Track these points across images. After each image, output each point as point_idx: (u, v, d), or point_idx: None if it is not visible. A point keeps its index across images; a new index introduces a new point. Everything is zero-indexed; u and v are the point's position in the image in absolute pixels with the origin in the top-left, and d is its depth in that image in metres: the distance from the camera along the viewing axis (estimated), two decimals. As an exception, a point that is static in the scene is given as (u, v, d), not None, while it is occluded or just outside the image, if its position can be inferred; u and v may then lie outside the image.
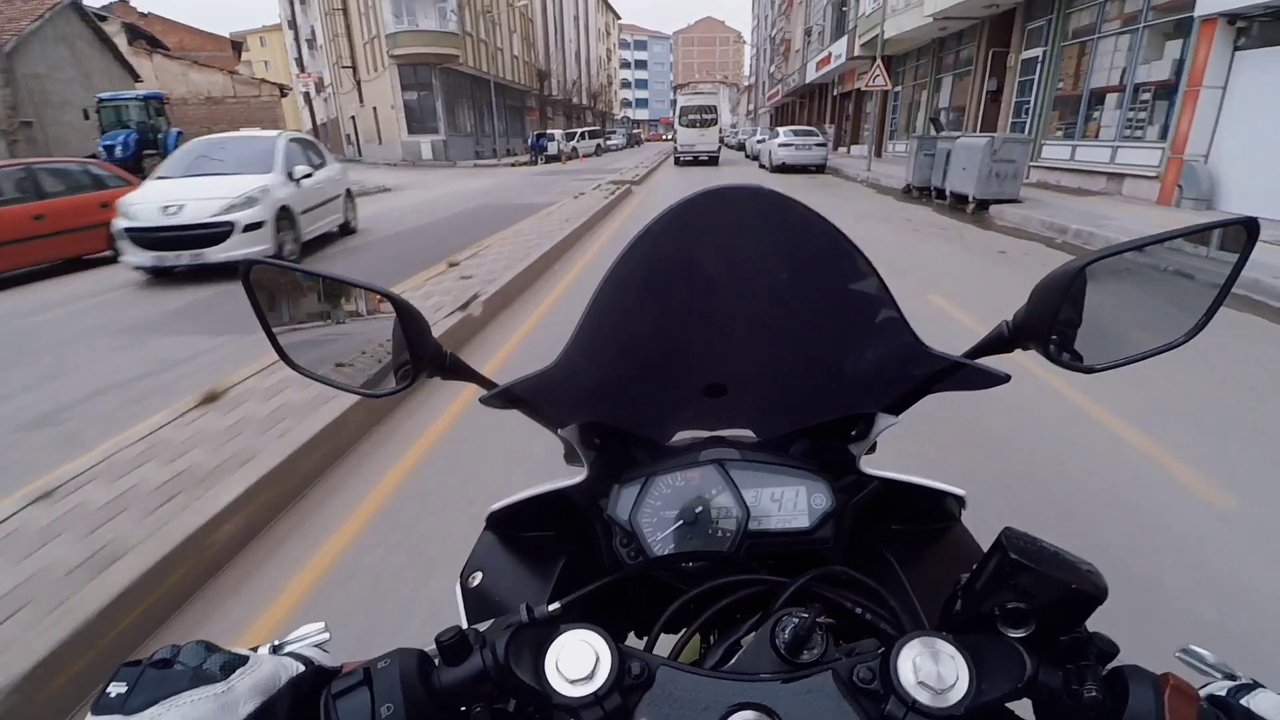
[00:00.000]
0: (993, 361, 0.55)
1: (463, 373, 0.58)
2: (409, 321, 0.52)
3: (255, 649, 0.38)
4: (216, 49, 36.45)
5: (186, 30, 36.64)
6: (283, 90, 31.91)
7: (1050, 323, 0.50)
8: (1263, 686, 0.37)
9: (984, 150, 8.79)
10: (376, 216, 10.89)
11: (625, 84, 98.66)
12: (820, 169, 18.77)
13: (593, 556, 0.64)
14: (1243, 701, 0.35)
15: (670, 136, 35.00)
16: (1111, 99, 10.33)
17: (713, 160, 23.91)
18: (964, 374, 0.55)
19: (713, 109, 23.87)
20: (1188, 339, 0.53)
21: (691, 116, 23.71)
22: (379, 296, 0.54)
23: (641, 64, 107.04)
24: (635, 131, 66.30)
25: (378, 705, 0.35)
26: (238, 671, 0.35)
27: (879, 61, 15.59)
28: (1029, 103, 12.67)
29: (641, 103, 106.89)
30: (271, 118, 28.67)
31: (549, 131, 33.17)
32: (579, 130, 37.70)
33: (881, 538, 0.64)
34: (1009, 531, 0.40)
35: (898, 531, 0.65)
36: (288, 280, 0.59)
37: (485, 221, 9.63)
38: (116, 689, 0.32)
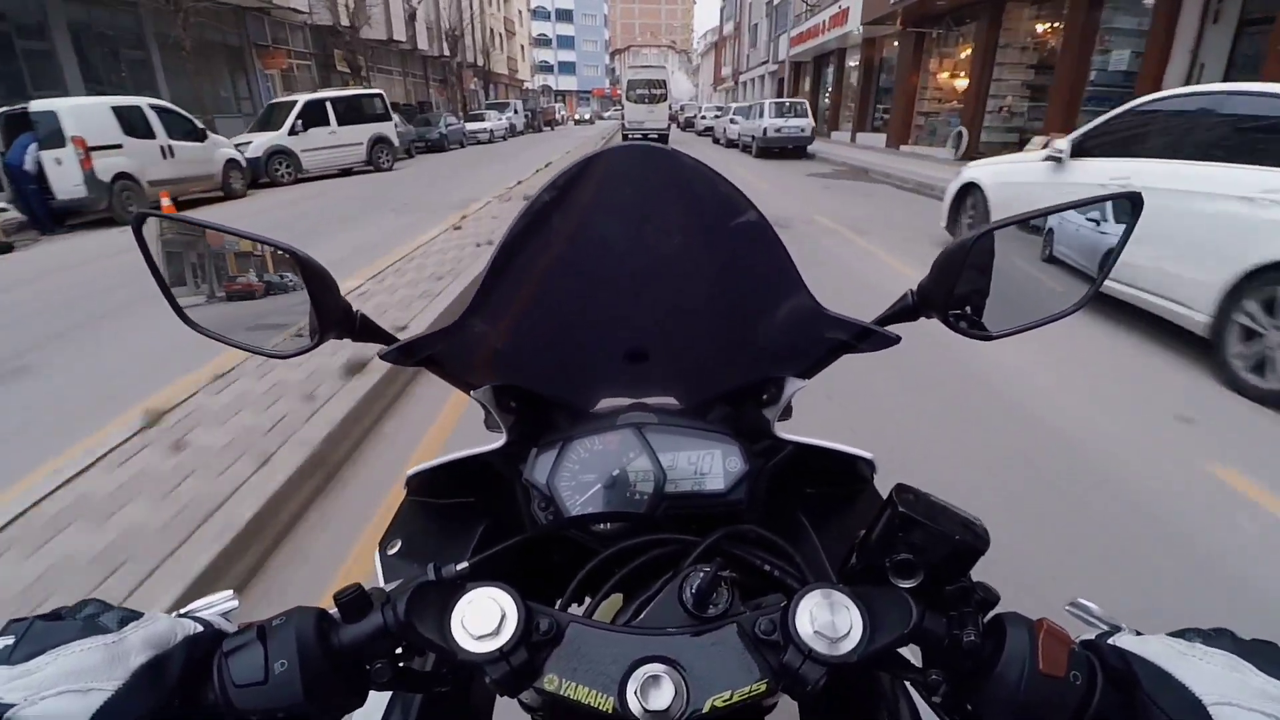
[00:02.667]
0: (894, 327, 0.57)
1: (374, 334, 0.57)
2: (314, 279, 0.50)
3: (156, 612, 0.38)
4: None
5: None
6: None
7: (949, 291, 0.52)
8: (1137, 632, 0.39)
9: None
10: None
11: (543, 41, 73.58)
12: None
13: (513, 522, 0.64)
14: (1124, 645, 0.38)
15: (607, 114, 34.48)
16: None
17: (661, 139, 21.54)
18: (867, 337, 0.58)
19: (661, 84, 22.66)
20: (1078, 307, 0.57)
21: (640, 91, 22.48)
22: (284, 253, 0.52)
23: (566, 15, 77.00)
24: (549, 106, 48.60)
25: (271, 662, 0.35)
26: (130, 624, 0.34)
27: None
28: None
29: (567, 68, 79.27)
30: None
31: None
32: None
33: (797, 500, 0.67)
34: (900, 487, 0.43)
35: (812, 495, 0.68)
36: (185, 233, 0.57)
37: None
38: (2, 642, 0.32)
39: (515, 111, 32.26)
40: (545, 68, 74.34)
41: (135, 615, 0.36)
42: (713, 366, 0.66)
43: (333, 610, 0.39)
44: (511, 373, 0.63)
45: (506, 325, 0.57)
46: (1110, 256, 0.55)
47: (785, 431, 0.65)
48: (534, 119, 36.92)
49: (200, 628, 0.38)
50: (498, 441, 0.63)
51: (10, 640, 0.32)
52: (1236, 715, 0.31)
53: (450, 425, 2.90)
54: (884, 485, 0.64)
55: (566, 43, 77.73)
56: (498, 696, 0.39)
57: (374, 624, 0.38)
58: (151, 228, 0.52)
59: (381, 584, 0.57)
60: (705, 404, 0.70)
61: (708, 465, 0.62)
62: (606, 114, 62.73)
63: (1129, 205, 0.54)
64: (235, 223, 0.54)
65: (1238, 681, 0.33)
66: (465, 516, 0.65)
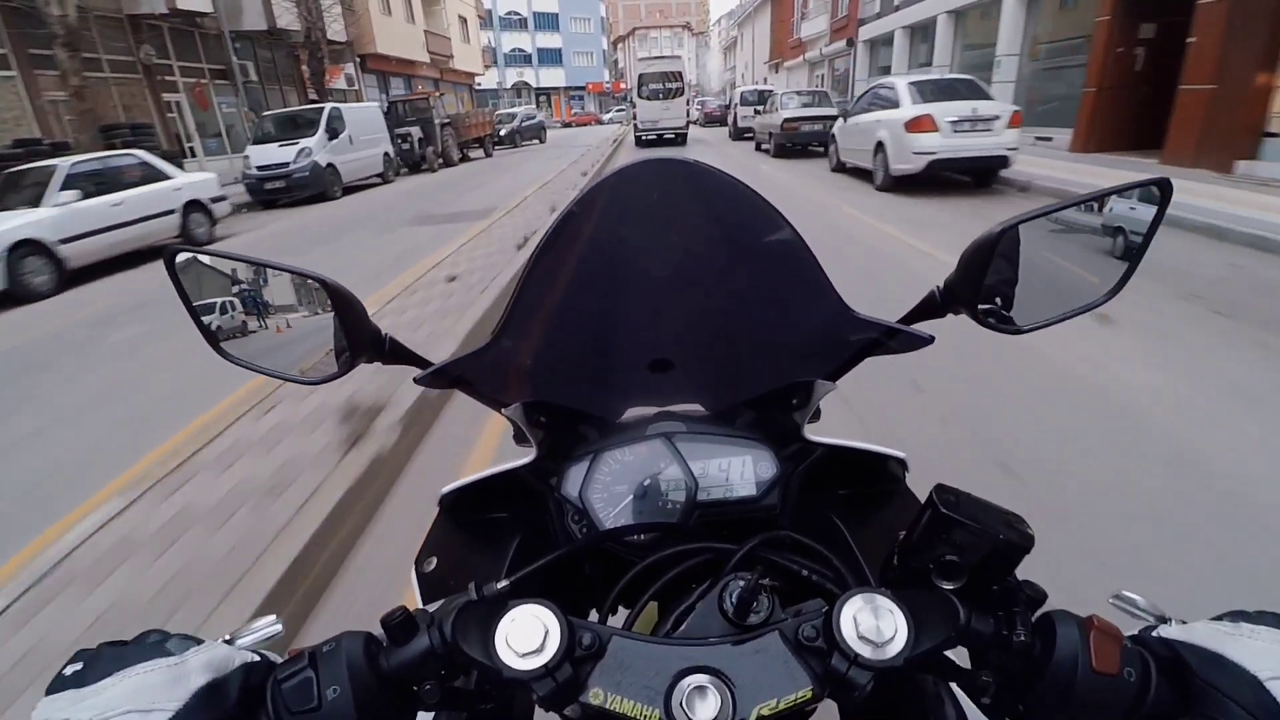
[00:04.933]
0: (923, 325, 0.58)
1: (403, 356, 0.59)
2: (344, 306, 0.53)
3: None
4: None
5: None
6: None
7: (977, 286, 0.53)
8: (1183, 622, 0.39)
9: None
10: None
11: (513, 21, 53.42)
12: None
13: (547, 536, 0.65)
14: (1171, 635, 0.38)
15: (608, 116, 29.71)
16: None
17: (680, 138, 19.53)
18: (895, 338, 0.58)
19: (677, 75, 19.50)
20: (1109, 298, 0.57)
21: (653, 86, 19.31)
22: (314, 281, 0.54)
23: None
24: (481, 113, 21.97)
25: (323, 688, 0.36)
26: (191, 650, 0.36)
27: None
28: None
29: (550, 57, 56.43)
30: None
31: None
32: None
33: (830, 503, 0.67)
34: (940, 488, 0.43)
35: (845, 496, 0.68)
36: (215, 265, 0.59)
37: None
38: (72, 668, 0.34)
39: (330, 132, 12.74)
40: (520, 58, 54.74)
41: (196, 641, 0.37)
42: (739, 372, 0.67)
43: (379, 633, 0.40)
44: (540, 388, 0.64)
45: (534, 342, 0.59)
46: (1142, 244, 0.55)
47: (815, 434, 0.66)
48: (431, 143, 17.13)
49: (255, 657, 0.39)
50: (529, 456, 0.65)
51: (79, 666, 0.34)
52: None
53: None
54: (916, 484, 0.64)
55: (547, 23, 55.49)
56: (537, 710, 0.41)
57: (421, 646, 0.39)
58: (183, 261, 0.55)
59: (420, 602, 0.58)
60: (732, 409, 0.70)
61: (739, 472, 0.63)
62: (607, 115, 48.64)
63: (1157, 191, 0.54)
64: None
65: None
66: (499, 532, 0.66)
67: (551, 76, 57.24)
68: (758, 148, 16.47)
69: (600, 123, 47.39)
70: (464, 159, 19.54)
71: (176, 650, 0.36)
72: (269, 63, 18.39)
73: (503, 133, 24.99)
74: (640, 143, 19.46)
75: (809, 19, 29.03)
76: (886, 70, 19.49)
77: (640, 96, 19.36)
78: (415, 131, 16.66)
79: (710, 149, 18.27)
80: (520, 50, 55.29)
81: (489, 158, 20.87)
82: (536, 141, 27.62)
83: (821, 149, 12.74)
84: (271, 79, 18.59)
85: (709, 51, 75.57)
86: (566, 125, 49.34)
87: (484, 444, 2.83)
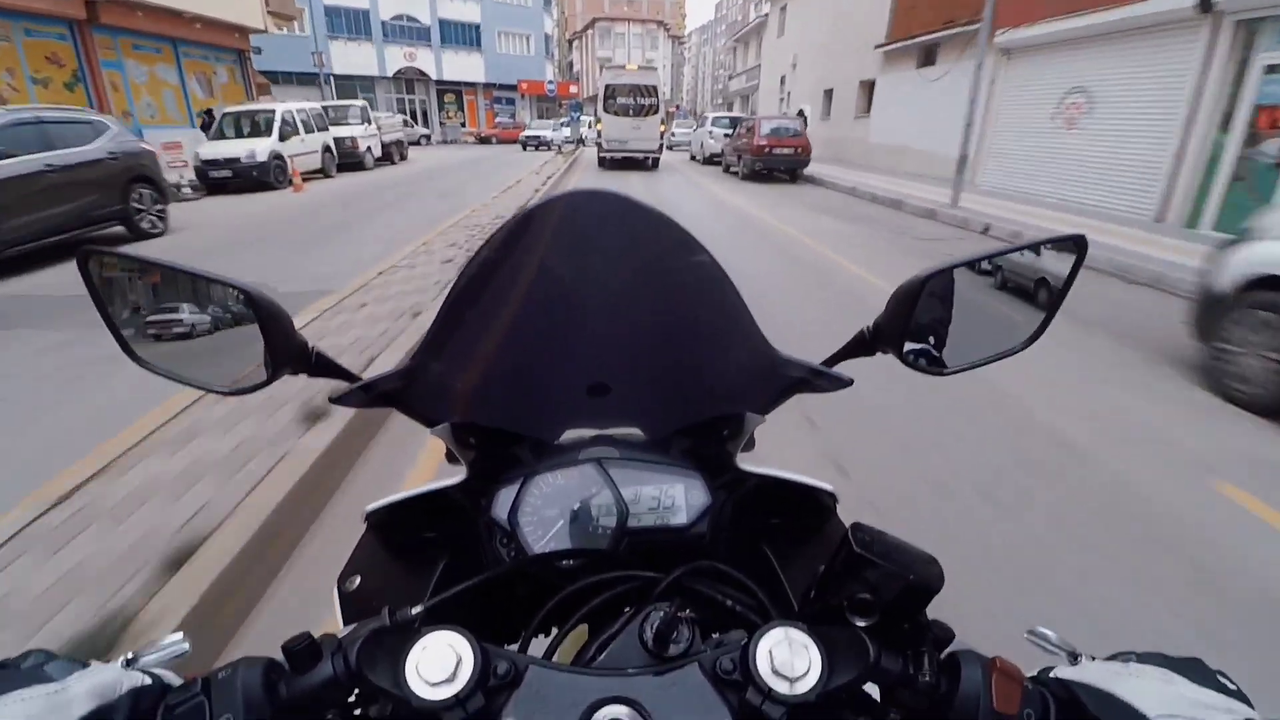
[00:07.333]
0: (848, 365, 0.61)
1: (330, 370, 0.57)
2: (267, 316, 0.51)
3: (106, 661, 0.37)
4: None
5: None
6: None
7: (904, 328, 0.56)
8: (1091, 658, 0.41)
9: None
10: None
11: None
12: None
13: (475, 558, 0.64)
14: (1065, 675, 0.40)
15: (550, 134, 23.22)
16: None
17: (652, 163, 17.19)
18: (820, 379, 0.60)
19: (651, 90, 16.69)
20: (1026, 345, 0.60)
21: (622, 101, 16.41)
22: (236, 290, 0.52)
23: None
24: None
25: (216, 716, 0.35)
26: (74, 675, 0.34)
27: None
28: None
29: (460, 35, 35.93)
30: None
31: None
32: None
33: (761, 532, 0.68)
34: (856, 526, 0.44)
35: (777, 526, 0.69)
36: (131, 269, 0.57)
37: None
38: None
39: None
40: (411, 33, 34.11)
41: (80, 665, 0.36)
42: (673, 400, 0.68)
43: (281, 659, 0.39)
44: (473, 408, 0.64)
45: (464, 362, 0.59)
46: (1059, 294, 0.58)
47: (748, 464, 0.67)
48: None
49: (147, 679, 0.38)
50: (458, 476, 0.65)
51: None
52: None
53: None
54: (847, 515, 0.65)
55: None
56: None
57: (324, 674, 0.38)
58: (97, 264, 0.53)
59: (339, 622, 0.57)
60: (668, 436, 0.71)
61: (670, 499, 0.64)
62: (550, 133, 27.54)
63: (1074, 247, 0.58)
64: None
65: (1174, 694, 0.36)
66: (426, 553, 0.65)
67: (463, 65, 36.74)
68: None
69: (539, 145, 26.75)
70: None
71: (58, 675, 0.34)
72: None
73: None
74: (604, 164, 17.25)
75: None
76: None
77: (606, 111, 16.72)
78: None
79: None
80: (410, 20, 33.99)
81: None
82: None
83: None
84: None
85: (686, 61, 66.06)
86: (484, 140, 33.73)
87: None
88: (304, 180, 12.76)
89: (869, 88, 18.83)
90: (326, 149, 14.96)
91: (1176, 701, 0.35)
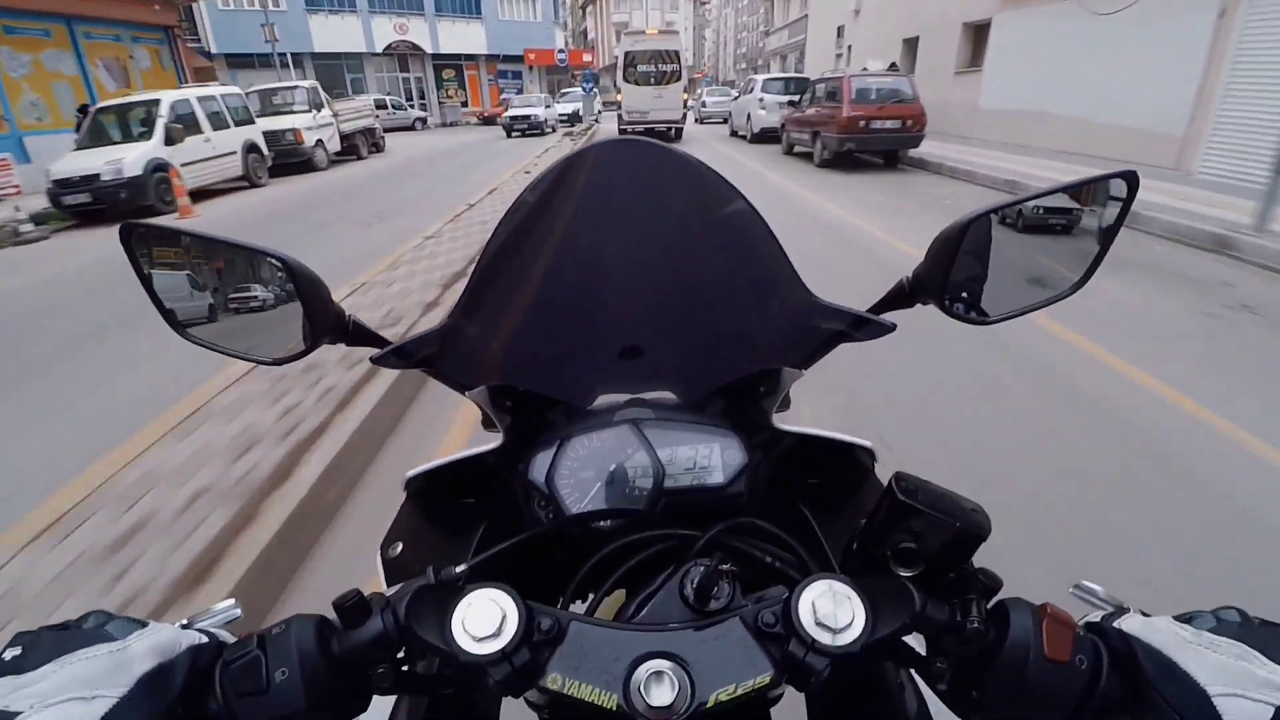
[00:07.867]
0: (892, 314, 0.59)
1: (367, 337, 0.58)
2: (306, 286, 0.52)
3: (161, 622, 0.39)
4: None
5: None
6: None
7: (944, 277, 0.53)
8: (1142, 612, 0.40)
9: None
10: None
11: None
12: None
13: (513, 523, 0.65)
14: (1115, 624, 0.39)
15: (553, 106, 21.55)
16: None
17: (675, 134, 16.19)
18: (862, 327, 0.59)
19: (674, 56, 15.83)
20: (1075, 290, 0.58)
21: (643, 69, 15.58)
22: (275, 261, 0.53)
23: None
24: None
25: (272, 671, 0.36)
26: (135, 634, 0.36)
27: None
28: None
29: (463, 5, 31.00)
30: None
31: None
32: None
33: (799, 492, 0.67)
34: (899, 475, 0.43)
35: (814, 485, 0.68)
36: (173, 242, 0.58)
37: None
38: (11, 653, 0.33)
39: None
40: (402, 0, 29.59)
41: (140, 624, 0.37)
42: (708, 360, 0.67)
43: (333, 616, 0.40)
44: (507, 372, 0.64)
45: (499, 325, 0.59)
46: (1110, 232, 0.56)
47: (784, 422, 0.66)
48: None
49: (204, 638, 0.39)
50: (495, 442, 0.65)
51: (18, 650, 0.33)
52: (1242, 706, 0.31)
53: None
54: (885, 472, 0.65)
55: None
56: (503, 696, 0.40)
57: (374, 629, 0.39)
58: (140, 238, 0.54)
59: (384, 587, 0.58)
60: (703, 398, 0.71)
61: (706, 459, 0.63)
62: (554, 104, 24.59)
63: (1124, 184, 0.55)
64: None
65: (1244, 671, 0.33)
66: (465, 518, 0.66)
67: (462, 36, 31.70)
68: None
69: (528, 129, 21.26)
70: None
71: (119, 634, 0.36)
72: None
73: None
74: (624, 134, 15.80)
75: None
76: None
77: (626, 81, 15.90)
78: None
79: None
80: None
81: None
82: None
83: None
84: None
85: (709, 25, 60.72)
86: (488, 121, 29.02)
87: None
88: (221, 193, 9.27)
89: (978, 32, 13.92)
90: (252, 149, 11.24)
91: (1246, 679, 0.32)
